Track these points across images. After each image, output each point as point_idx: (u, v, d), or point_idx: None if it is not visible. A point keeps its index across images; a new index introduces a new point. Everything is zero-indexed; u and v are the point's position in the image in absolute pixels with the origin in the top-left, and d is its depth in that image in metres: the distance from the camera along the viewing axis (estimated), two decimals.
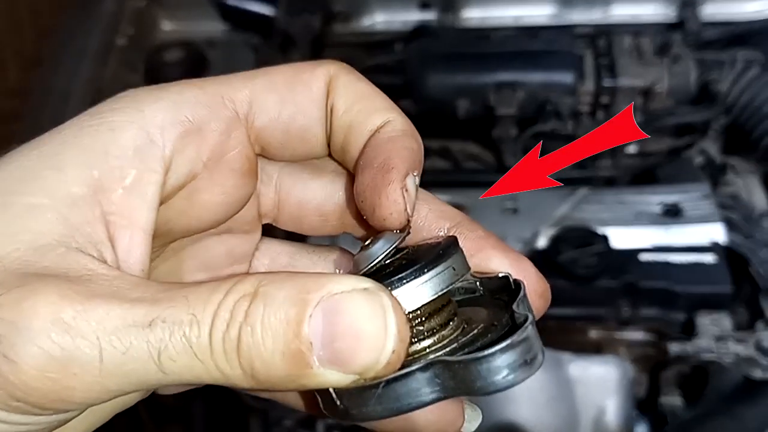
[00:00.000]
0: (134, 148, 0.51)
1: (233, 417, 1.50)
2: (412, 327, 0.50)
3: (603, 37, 1.99)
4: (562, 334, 1.54)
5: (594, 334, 1.55)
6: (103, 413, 0.54)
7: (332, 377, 0.44)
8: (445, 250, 0.52)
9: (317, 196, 0.61)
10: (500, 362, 0.46)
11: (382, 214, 0.53)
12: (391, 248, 0.52)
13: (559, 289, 1.59)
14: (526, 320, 0.48)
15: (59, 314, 0.42)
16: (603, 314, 1.56)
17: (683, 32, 1.99)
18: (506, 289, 0.55)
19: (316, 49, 2.05)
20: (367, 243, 0.54)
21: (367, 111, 0.56)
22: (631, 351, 1.55)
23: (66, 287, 0.43)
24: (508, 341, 0.46)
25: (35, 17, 3.07)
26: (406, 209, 0.53)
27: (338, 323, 0.43)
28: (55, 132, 0.51)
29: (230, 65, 2.02)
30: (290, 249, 0.65)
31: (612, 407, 1.47)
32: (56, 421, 0.46)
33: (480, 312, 0.56)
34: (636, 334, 1.55)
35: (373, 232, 0.57)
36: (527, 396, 1.44)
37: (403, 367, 0.46)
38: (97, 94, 1.87)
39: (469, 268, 0.53)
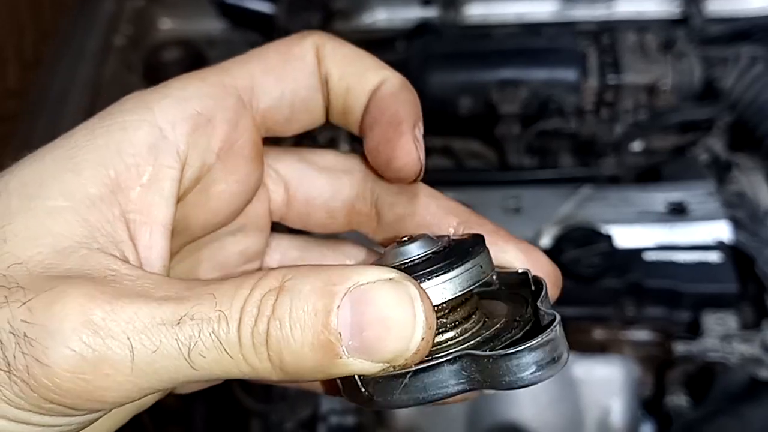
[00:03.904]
0: (148, 146, 0.51)
1: (234, 420, 1.49)
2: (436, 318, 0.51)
3: (606, 33, 1.97)
4: (566, 334, 1.52)
5: (598, 334, 1.54)
6: (125, 412, 0.55)
7: (361, 366, 0.45)
8: (474, 247, 0.53)
9: (324, 193, 0.63)
10: (529, 359, 0.47)
11: (398, 164, 0.55)
12: (427, 253, 0.53)
13: (563, 289, 1.58)
14: (554, 319, 0.49)
15: (89, 315, 0.43)
16: (607, 314, 1.54)
17: (687, 28, 1.97)
18: (524, 285, 0.56)
19: None
20: (403, 239, 0.54)
21: (359, 73, 0.58)
22: (636, 351, 1.54)
23: (92, 288, 0.44)
24: (538, 339, 0.47)
25: (36, 19, 3.08)
26: (419, 158, 0.55)
27: (366, 313, 0.44)
28: (66, 136, 0.52)
29: None
30: (299, 243, 0.66)
31: (617, 407, 1.46)
32: (87, 421, 0.47)
33: (499, 306, 0.57)
34: (641, 334, 1.54)
35: (382, 233, 0.60)
36: (531, 397, 1.44)
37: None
38: (96, 94, 1.87)
39: (494, 268, 0.55)
